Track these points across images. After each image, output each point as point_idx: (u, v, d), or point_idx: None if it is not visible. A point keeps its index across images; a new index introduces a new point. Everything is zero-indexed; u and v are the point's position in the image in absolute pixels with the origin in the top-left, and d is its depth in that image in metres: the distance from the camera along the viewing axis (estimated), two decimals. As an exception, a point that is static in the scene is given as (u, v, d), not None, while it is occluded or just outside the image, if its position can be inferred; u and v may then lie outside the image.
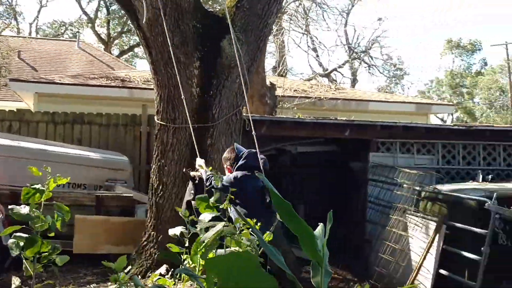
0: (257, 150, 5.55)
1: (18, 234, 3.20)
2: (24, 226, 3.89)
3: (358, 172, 9.67)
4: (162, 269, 6.23)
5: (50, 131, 10.42)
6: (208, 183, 5.35)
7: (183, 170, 6.57)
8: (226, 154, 5.67)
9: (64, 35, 34.79)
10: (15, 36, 24.30)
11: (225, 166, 5.64)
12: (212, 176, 5.29)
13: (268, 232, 3.60)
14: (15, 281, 3.20)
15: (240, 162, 5.35)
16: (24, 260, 3.14)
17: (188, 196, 6.00)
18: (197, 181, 5.84)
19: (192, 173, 6.01)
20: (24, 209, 3.27)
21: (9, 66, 14.79)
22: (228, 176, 5.35)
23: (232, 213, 4.18)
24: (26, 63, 20.47)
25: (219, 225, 2.81)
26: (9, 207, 3.40)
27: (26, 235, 3.16)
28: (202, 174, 5.66)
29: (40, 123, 10.39)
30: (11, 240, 3.16)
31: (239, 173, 5.30)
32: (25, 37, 26.54)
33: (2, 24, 28.67)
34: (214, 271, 1.14)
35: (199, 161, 5.89)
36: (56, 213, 3.33)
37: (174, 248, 3.28)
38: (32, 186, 3.30)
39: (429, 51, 69.32)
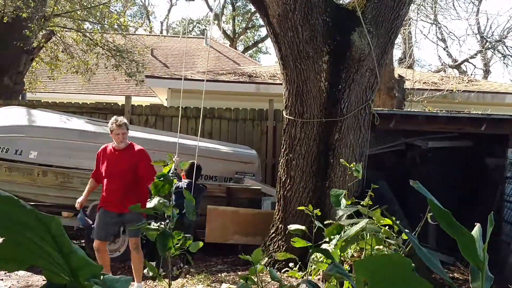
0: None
1: (149, 227, 3.29)
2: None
3: (494, 169, 9.11)
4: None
5: (183, 125, 10.91)
6: None
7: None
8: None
9: (192, 32, 36.25)
10: (148, 35, 25.68)
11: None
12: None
13: None
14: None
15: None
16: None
17: None
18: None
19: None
20: (151, 203, 3.35)
21: (144, 64, 15.78)
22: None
23: None
24: (158, 60, 21.58)
25: (362, 222, 2.78)
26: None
27: (158, 228, 3.23)
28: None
29: (173, 117, 10.92)
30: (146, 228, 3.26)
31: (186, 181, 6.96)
32: (157, 35, 27.98)
33: (137, 24, 30.43)
34: (364, 273, 1.14)
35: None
36: (185, 204, 3.41)
37: (299, 242, 3.29)
38: (159, 179, 3.39)
39: None
